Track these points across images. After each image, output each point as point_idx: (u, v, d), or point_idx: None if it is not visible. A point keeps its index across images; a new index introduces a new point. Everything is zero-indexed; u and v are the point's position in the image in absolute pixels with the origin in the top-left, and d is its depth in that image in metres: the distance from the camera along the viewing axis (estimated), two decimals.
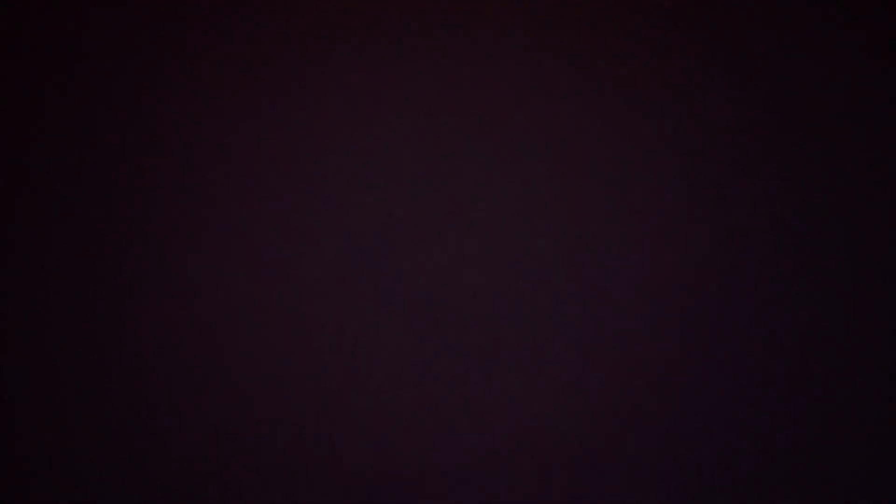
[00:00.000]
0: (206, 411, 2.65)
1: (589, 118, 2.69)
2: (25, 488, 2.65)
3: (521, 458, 2.64)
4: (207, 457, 2.64)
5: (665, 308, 2.66)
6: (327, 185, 2.68)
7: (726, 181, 2.68)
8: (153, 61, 2.70)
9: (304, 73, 2.70)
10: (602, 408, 2.65)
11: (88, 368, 2.66)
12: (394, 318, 2.67)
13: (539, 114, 2.69)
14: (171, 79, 2.70)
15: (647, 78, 2.69)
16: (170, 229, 2.67)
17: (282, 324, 2.66)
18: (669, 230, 2.67)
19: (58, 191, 2.68)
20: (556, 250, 2.67)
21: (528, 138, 2.69)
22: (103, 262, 2.67)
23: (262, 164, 2.69)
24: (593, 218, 2.67)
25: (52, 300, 2.67)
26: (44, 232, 2.68)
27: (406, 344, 2.66)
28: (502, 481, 2.64)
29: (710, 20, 2.70)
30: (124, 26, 2.71)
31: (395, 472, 2.64)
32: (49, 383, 2.66)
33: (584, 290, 2.67)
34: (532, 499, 2.64)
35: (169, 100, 2.70)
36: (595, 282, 2.67)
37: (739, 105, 2.69)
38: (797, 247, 2.67)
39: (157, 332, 2.66)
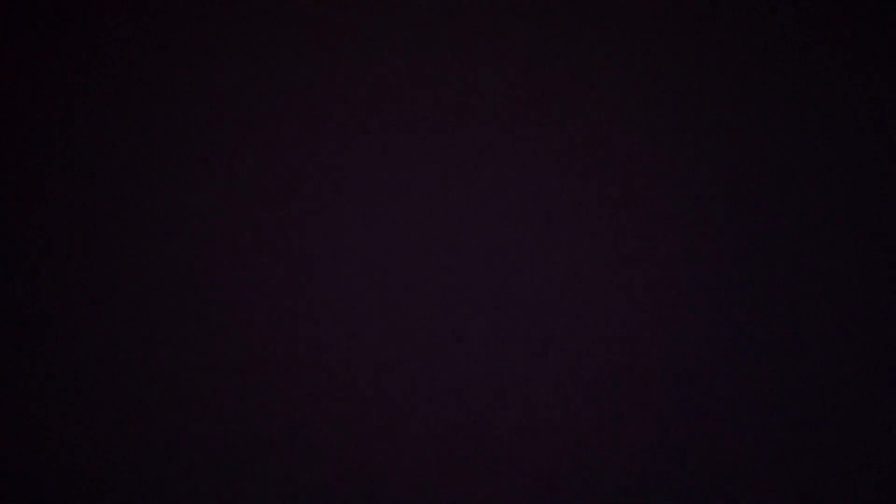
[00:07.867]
0: (207, 411, 2.65)
1: (591, 117, 2.69)
2: (28, 488, 2.66)
3: (523, 458, 2.65)
4: (212, 457, 2.65)
5: (667, 308, 2.66)
6: (333, 186, 2.68)
7: (731, 182, 2.68)
8: (156, 62, 2.70)
9: (311, 74, 2.70)
10: (606, 409, 2.65)
11: (88, 367, 2.66)
12: (396, 318, 2.67)
13: (542, 115, 2.69)
14: (179, 80, 2.70)
15: (650, 78, 2.69)
16: (173, 229, 2.68)
17: (289, 323, 2.66)
18: (672, 230, 2.67)
19: (63, 191, 2.68)
20: (557, 250, 2.67)
21: (533, 138, 2.69)
22: (111, 259, 2.68)
23: (270, 163, 2.69)
24: (595, 218, 2.67)
25: (58, 301, 2.67)
26: (49, 233, 2.68)
27: (408, 343, 2.66)
28: (506, 481, 2.65)
29: (718, 18, 2.70)
30: (127, 25, 2.71)
31: (397, 472, 2.65)
32: (50, 383, 2.66)
33: (586, 290, 2.67)
34: (534, 498, 2.64)
35: (176, 101, 2.70)
36: (596, 281, 2.67)
37: (741, 106, 2.70)
38: (798, 247, 2.67)
39: (159, 332, 2.66)
